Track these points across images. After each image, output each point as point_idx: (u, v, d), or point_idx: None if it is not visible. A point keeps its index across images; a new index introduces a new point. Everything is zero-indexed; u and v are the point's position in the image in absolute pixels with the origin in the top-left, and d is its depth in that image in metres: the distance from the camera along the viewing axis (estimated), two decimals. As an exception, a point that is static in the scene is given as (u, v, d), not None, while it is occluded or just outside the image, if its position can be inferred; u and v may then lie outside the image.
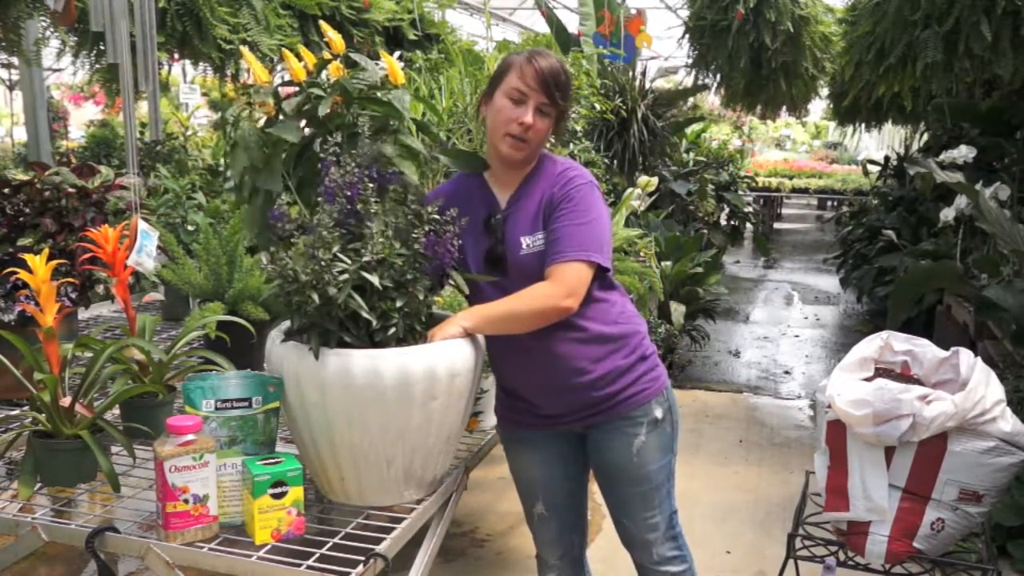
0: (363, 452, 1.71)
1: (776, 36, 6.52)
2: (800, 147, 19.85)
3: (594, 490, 2.13)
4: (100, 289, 2.59)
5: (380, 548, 1.62)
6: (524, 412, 2.01)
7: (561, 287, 1.78)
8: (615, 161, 6.06)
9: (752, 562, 3.07)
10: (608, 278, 1.93)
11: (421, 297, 1.74)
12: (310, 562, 1.57)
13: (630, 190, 4.19)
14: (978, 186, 4.08)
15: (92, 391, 1.88)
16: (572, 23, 7.08)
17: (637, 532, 2.03)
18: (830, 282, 8.48)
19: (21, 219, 2.63)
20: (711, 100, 12.05)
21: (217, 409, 1.72)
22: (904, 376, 2.27)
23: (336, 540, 1.66)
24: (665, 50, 10.77)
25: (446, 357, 1.72)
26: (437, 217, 1.75)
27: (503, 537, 3.25)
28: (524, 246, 1.85)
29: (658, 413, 1.94)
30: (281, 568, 1.56)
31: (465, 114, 4.42)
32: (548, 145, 1.97)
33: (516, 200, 1.90)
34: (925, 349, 2.28)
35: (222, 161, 4.39)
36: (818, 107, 11.87)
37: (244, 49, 2.06)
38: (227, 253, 2.45)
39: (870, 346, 2.29)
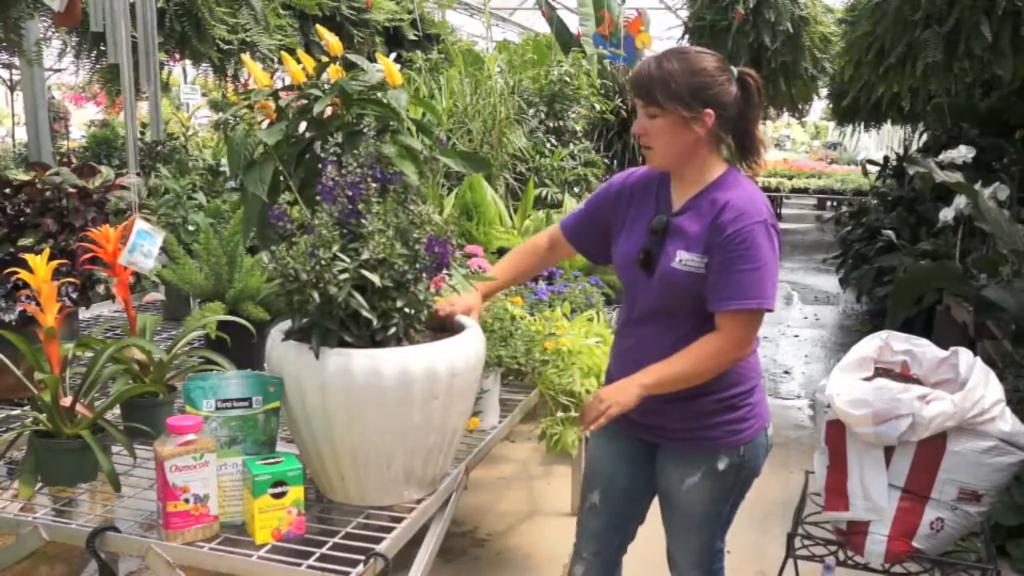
0: (363, 452, 1.71)
1: (776, 36, 6.52)
2: (800, 147, 19.86)
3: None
4: (101, 289, 2.59)
5: (380, 548, 1.62)
6: None
7: (731, 340, 1.77)
8: (615, 161, 6.05)
9: (752, 562, 3.07)
10: None
11: (421, 297, 1.75)
12: (310, 562, 1.57)
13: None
14: (977, 186, 4.08)
15: (93, 391, 1.88)
16: (573, 23, 7.08)
17: (674, 552, 2.04)
18: (829, 282, 8.48)
19: (22, 219, 2.63)
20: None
21: (217, 409, 1.72)
22: (903, 376, 2.27)
23: (336, 540, 1.66)
24: (665, 50, 10.74)
25: (446, 357, 1.72)
26: (438, 218, 1.76)
27: (503, 537, 3.25)
28: (678, 260, 1.80)
29: (721, 465, 1.88)
30: (281, 568, 1.57)
31: (465, 114, 4.42)
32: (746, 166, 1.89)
33: (686, 210, 1.84)
34: (924, 349, 2.29)
35: (222, 161, 4.39)
36: (818, 107, 11.86)
37: (245, 56, 2.07)
38: (227, 253, 2.45)
39: (870, 346, 2.29)
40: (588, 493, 2.10)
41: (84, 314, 2.96)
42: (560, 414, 2.58)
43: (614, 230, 1.96)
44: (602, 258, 2.06)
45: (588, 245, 2.07)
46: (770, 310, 1.78)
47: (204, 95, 9.88)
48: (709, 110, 1.76)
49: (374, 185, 1.70)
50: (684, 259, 1.79)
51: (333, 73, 1.83)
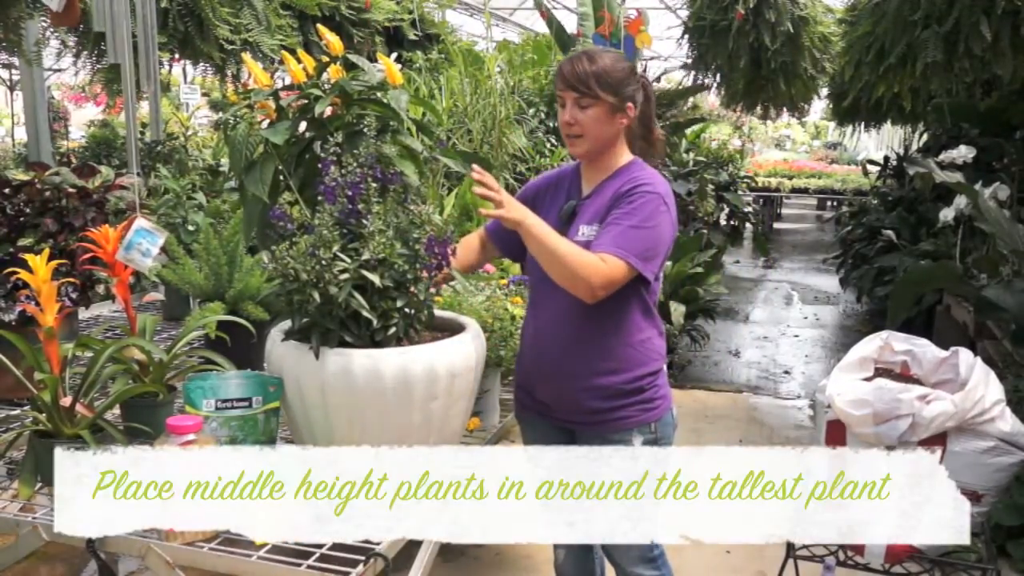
0: (363, 452, 1.71)
1: (776, 36, 6.51)
2: (800, 147, 19.86)
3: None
4: (100, 289, 2.60)
5: (380, 548, 1.62)
6: (524, 393, 2.07)
7: (603, 274, 1.79)
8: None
9: (752, 562, 3.07)
10: (652, 309, 1.98)
11: (421, 297, 1.74)
12: (310, 562, 1.57)
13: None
14: (977, 186, 4.08)
15: (92, 391, 1.88)
16: (572, 23, 7.08)
17: (612, 549, 2.08)
18: (830, 282, 8.48)
19: (21, 219, 2.63)
20: (711, 100, 12.04)
21: (217, 409, 1.72)
22: (904, 376, 2.27)
23: (336, 540, 1.66)
24: (665, 50, 10.75)
25: (446, 357, 1.72)
26: (438, 218, 1.76)
27: (503, 537, 3.25)
28: (580, 233, 1.92)
29: (637, 443, 1.95)
30: (281, 568, 1.56)
31: (465, 114, 4.42)
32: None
33: (593, 194, 1.97)
34: (925, 349, 2.29)
35: (222, 161, 4.39)
36: (818, 107, 11.86)
37: (246, 56, 2.07)
38: (227, 253, 2.45)
39: (870, 346, 2.29)
40: None
41: (84, 314, 2.96)
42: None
43: None
44: (522, 259, 2.15)
45: (509, 248, 2.12)
46: (642, 276, 1.83)
47: (205, 95, 9.87)
48: (630, 104, 1.92)
49: (374, 185, 1.70)
50: (585, 232, 1.91)
51: (333, 73, 1.83)
